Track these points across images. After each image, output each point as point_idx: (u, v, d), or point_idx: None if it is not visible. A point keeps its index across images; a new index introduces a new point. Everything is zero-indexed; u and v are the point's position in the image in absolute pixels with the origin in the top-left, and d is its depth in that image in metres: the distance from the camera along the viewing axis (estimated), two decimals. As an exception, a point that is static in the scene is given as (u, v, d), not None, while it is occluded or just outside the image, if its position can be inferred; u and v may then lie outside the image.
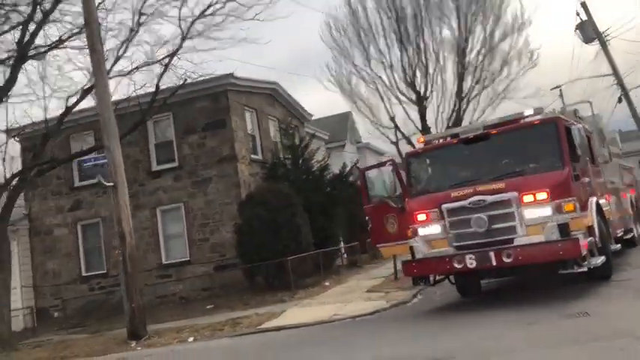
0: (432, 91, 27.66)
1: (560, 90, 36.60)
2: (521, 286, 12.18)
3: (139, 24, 16.45)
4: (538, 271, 10.56)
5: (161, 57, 16.37)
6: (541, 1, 58.82)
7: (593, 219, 10.09)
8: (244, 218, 17.93)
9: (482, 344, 7.47)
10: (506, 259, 9.40)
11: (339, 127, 37.58)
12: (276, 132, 23.21)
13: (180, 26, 16.16)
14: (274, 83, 22.98)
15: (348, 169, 23.32)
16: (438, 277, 11.29)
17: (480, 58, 27.61)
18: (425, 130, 27.84)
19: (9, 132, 16.31)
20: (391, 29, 28.16)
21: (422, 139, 12.17)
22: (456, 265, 9.88)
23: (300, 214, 18.13)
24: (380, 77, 28.41)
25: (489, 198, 9.80)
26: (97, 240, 21.14)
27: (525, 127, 10.70)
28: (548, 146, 10.25)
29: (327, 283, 18.13)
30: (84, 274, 21.21)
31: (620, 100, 30.75)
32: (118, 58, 16.52)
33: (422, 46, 27.70)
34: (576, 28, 31.30)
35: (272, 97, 23.38)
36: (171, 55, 16.38)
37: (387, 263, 23.94)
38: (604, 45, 30.59)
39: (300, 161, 21.53)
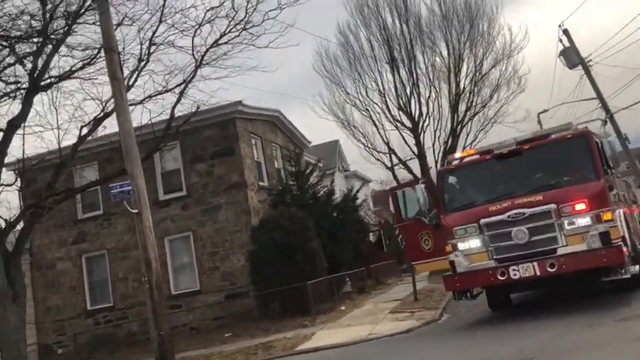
0: (427, 117, 28.31)
1: (539, 116, 37.74)
2: (547, 298, 12.39)
3: (149, 53, 16.52)
4: (580, 280, 10.77)
5: (174, 85, 16.39)
6: (530, 26, 61.34)
7: (624, 229, 10.48)
8: (259, 244, 17.86)
9: (556, 345, 7.58)
10: (549, 269, 9.73)
11: (328, 154, 37.91)
12: (280, 159, 23.32)
13: (193, 55, 16.26)
14: (277, 111, 23.21)
15: (353, 192, 23.46)
16: (475, 292, 11.46)
17: (471, 85, 28.32)
18: (421, 155, 28.35)
19: (24, 163, 16.04)
20: (383, 56, 28.88)
21: (452, 157, 12.61)
22: (500, 277, 10.13)
23: (315, 238, 18.17)
24: (374, 103, 29.01)
25: (528, 210, 10.10)
26: (102, 272, 20.74)
27: (557, 142, 11.21)
28: (582, 159, 10.75)
29: (342, 308, 18.05)
30: (89, 307, 20.70)
31: (605, 123, 31.68)
32: (129, 87, 16.52)
33: (414, 73, 28.42)
34: (560, 55, 32.52)
35: (274, 124, 23.57)
36: (187, 83, 16.42)
37: (394, 288, 24.11)
38: (587, 70, 31.70)
39: (306, 186, 21.61)
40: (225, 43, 16.36)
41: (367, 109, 29.30)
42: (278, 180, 22.34)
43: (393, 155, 28.63)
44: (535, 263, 9.84)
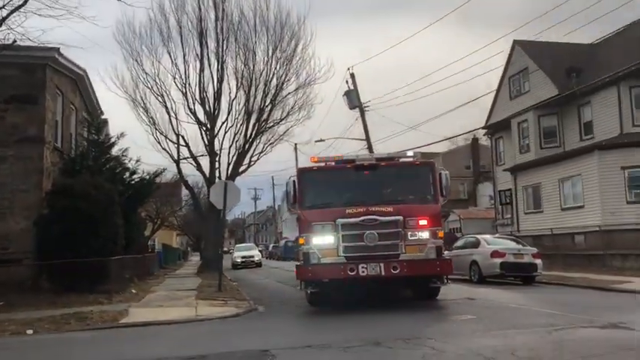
0: (227, 119, 28.63)
1: (315, 142, 41.22)
2: (360, 300, 13.79)
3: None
4: (412, 284, 12.70)
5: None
6: (338, 59, 65.63)
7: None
8: (55, 210, 15.91)
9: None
10: (393, 271, 11.22)
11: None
12: (75, 123, 21.16)
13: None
14: (84, 71, 21.08)
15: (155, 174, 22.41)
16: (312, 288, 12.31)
17: (271, 101, 29.42)
18: (213, 153, 28.47)
19: None
20: (194, 47, 28.47)
21: (315, 159, 13.30)
22: (349, 273, 11.27)
23: (119, 214, 16.96)
24: (169, 92, 28.29)
25: (381, 218, 11.49)
26: None
27: (408, 165, 13.08)
28: (425, 183, 12.58)
29: (133, 291, 17.11)
30: None
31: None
32: None
33: (221, 72, 28.62)
34: (344, 94, 36.21)
35: (76, 84, 21.35)
36: (13, 10, 14.18)
37: (167, 280, 23.56)
38: (362, 113, 35.94)
39: (104, 159, 20.01)
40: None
41: (162, 95, 28.47)
42: (71, 146, 20.22)
43: (184, 148, 28.19)
44: (382, 264, 11.21)
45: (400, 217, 11.52)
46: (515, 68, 32.78)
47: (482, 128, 37.62)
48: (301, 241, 12.08)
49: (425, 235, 11.60)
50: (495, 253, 18.84)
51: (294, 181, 12.56)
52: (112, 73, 43.50)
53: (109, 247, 15.92)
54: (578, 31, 51.81)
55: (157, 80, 28.03)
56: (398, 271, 11.17)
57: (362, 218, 11.45)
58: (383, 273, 11.19)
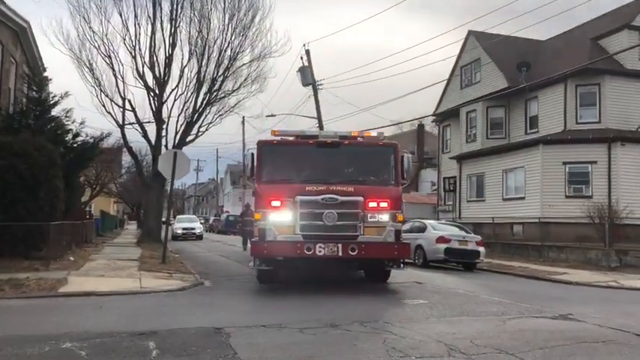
0: (177, 86, 27.69)
1: (267, 117, 40.64)
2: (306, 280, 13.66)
3: None
4: (370, 265, 12.63)
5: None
6: (295, 33, 64.59)
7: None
8: (-10, 167, 14.91)
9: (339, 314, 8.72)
10: (351, 252, 10.91)
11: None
12: (14, 78, 19.87)
13: None
14: (28, 23, 19.75)
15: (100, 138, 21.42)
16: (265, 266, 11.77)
17: (224, 72, 28.56)
18: (159, 120, 27.50)
19: None
20: (140, 8, 27.19)
21: (276, 132, 12.84)
22: (306, 252, 10.90)
23: (59, 178, 16.10)
24: (117, 53, 27.04)
25: (340, 197, 11.15)
26: None
27: (371, 145, 12.69)
28: (387, 165, 12.32)
29: (71, 258, 16.35)
30: None
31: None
32: None
33: (174, 37, 27.55)
34: (298, 71, 35.74)
35: (18, 36, 20.01)
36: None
37: (106, 248, 22.75)
38: (315, 91, 35.66)
39: (46, 118, 18.93)
40: None
41: (110, 56, 27.16)
42: (9, 102, 18.99)
43: (131, 113, 27.05)
44: (340, 244, 10.89)
45: (360, 198, 11.25)
46: (467, 58, 33.26)
47: (432, 115, 38.12)
48: (257, 216, 11.62)
49: (385, 217, 11.39)
50: (441, 239, 19.18)
51: (252, 154, 12.14)
52: (56, 29, 41.40)
53: (47, 211, 15.10)
54: (530, 28, 53.14)
55: (105, 40, 26.63)
56: (356, 252, 10.91)
57: (322, 197, 11.12)
58: (340, 254, 10.90)
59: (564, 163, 25.30)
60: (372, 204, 11.33)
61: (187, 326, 7.71)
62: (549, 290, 13.57)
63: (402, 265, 11.77)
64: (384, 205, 11.42)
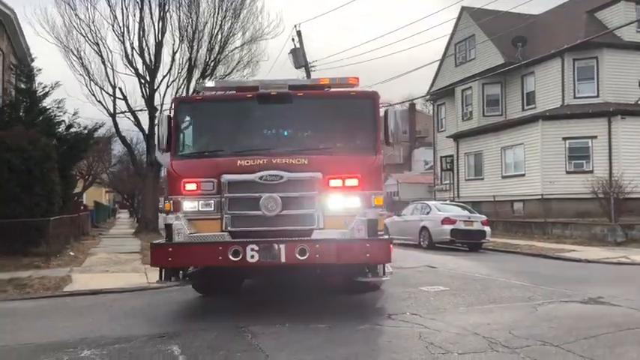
0: (168, 72, 27.02)
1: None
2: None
3: None
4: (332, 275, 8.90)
5: None
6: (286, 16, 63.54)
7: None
8: (-17, 163, 14.39)
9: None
10: (299, 256, 7.13)
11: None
12: (6, 69, 19.20)
13: None
14: (13, 11, 19.04)
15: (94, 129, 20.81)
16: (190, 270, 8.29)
17: (215, 57, 27.94)
18: (152, 108, 26.91)
19: None
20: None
21: (205, 86, 9.82)
22: (232, 258, 7.18)
23: (55, 170, 15.59)
24: (105, 40, 26.30)
25: (287, 174, 7.67)
26: None
27: (339, 97, 8.69)
28: (362, 125, 8.46)
29: (72, 253, 15.96)
30: None
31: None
32: None
33: (164, 22, 26.86)
34: (290, 52, 35.06)
35: (3, 25, 19.28)
36: None
37: (104, 240, 22.31)
38: (308, 74, 34.97)
39: (37, 110, 18.33)
40: None
41: (98, 44, 26.42)
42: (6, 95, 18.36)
43: (122, 102, 26.38)
44: (283, 246, 7.17)
45: (318, 174, 7.68)
46: (461, 35, 32.81)
47: (427, 94, 37.72)
48: (167, 206, 8.17)
49: (353, 202, 7.70)
50: (446, 220, 18.94)
51: (168, 116, 8.52)
52: (41, 17, 40.46)
53: (44, 206, 14.63)
54: (525, 5, 52.25)
55: (92, 27, 25.92)
56: (306, 256, 7.09)
57: (260, 174, 7.65)
58: (283, 260, 7.16)
59: (564, 139, 25.10)
60: (335, 182, 7.74)
61: (207, 325, 7.35)
62: (565, 270, 13.33)
63: (383, 273, 7.68)
64: (352, 183, 7.75)
